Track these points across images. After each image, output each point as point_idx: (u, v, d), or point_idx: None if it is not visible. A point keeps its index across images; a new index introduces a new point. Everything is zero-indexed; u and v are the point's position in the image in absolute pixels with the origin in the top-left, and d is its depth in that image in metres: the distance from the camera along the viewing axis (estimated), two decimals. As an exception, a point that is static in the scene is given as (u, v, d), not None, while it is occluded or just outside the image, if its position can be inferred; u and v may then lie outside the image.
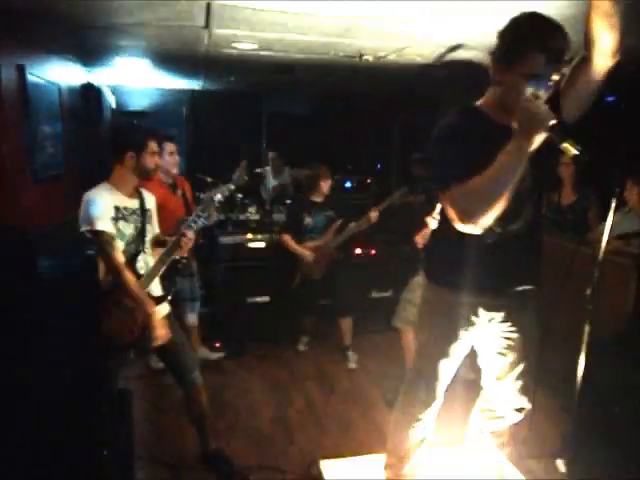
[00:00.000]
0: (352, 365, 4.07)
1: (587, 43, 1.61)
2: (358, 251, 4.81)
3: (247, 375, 3.90)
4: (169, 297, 2.61)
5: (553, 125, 1.51)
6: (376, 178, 6.36)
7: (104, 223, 2.31)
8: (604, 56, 1.60)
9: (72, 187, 4.41)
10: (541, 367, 3.59)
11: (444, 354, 2.01)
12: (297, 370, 4.04)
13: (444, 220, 1.89)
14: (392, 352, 4.05)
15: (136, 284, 2.37)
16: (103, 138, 5.74)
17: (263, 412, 3.40)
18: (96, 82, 5.38)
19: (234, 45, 3.50)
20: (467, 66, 3.87)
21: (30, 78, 3.29)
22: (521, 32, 1.63)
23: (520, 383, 2.08)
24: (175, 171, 3.64)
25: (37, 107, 3.49)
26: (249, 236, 4.67)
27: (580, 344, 2.70)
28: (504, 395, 2.11)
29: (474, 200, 1.57)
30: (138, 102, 6.26)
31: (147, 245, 2.56)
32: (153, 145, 2.46)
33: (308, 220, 4.13)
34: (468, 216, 1.59)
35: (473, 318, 1.96)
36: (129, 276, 2.35)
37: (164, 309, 2.56)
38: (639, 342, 2.88)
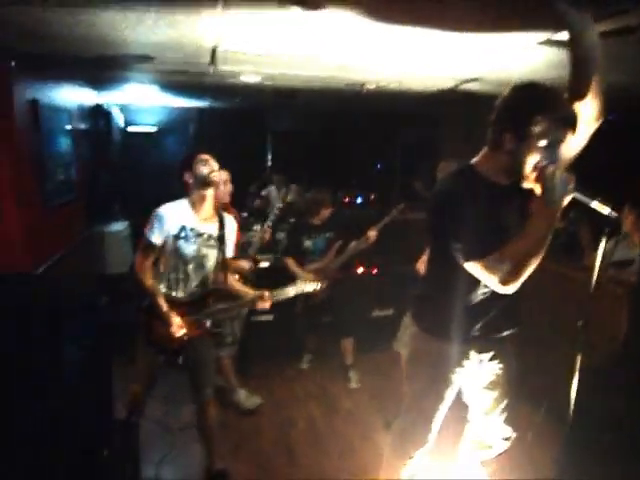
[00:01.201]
0: (354, 385, 4.17)
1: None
2: (360, 270, 4.91)
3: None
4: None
5: (577, 188, 1.61)
6: (379, 194, 6.46)
7: (154, 235, 2.61)
8: (588, 122, 1.72)
9: (86, 210, 4.56)
10: (539, 388, 3.69)
11: (440, 400, 2.11)
12: (300, 389, 4.15)
13: (435, 272, 2.00)
14: (393, 371, 4.13)
15: (153, 288, 2.64)
16: (113, 156, 5.89)
17: (266, 433, 3.51)
18: (105, 102, 5.52)
19: (239, 77, 3.62)
20: (470, 97, 4.00)
21: (43, 110, 3.43)
22: (538, 105, 1.67)
23: (505, 414, 2.19)
24: (227, 200, 3.63)
25: (50, 136, 3.64)
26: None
27: (573, 372, 2.82)
28: (492, 426, 2.22)
29: (517, 268, 1.69)
30: (146, 120, 6.39)
31: (209, 271, 2.75)
32: (200, 156, 2.70)
33: (308, 243, 4.23)
34: (512, 282, 1.72)
35: (464, 362, 2.07)
36: (148, 281, 2.64)
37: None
38: (630, 370, 2.96)
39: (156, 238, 2.61)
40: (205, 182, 2.65)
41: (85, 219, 4.61)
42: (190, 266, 2.69)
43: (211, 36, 2.41)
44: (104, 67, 3.31)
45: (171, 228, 2.62)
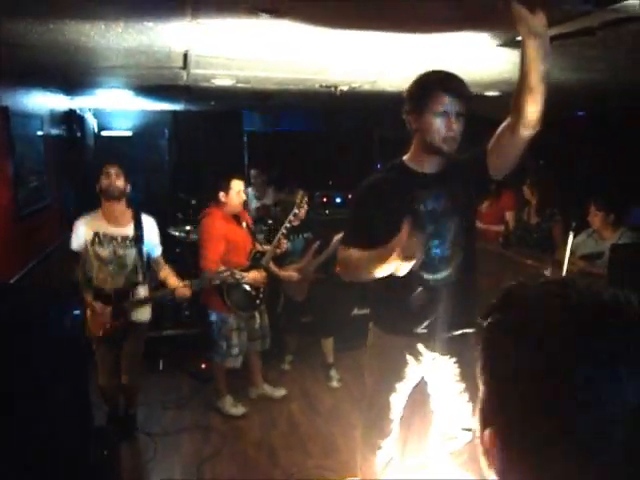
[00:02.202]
0: (335, 384, 4.21)
1: (513, 112, 1.78)
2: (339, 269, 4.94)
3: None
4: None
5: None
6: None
7: (73, 243, 3.07)
8: (528, 126, 1.78)
9: (60, 216, 4.51)
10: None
11: (393, 391, 2.17)
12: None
13: None
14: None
15: (80, 285, 3.06)
16: (87, 161, 5.83)
17: (248, 435, 3.52)
18: (78, 107, 5.46)
19: (212, 81, 3.62)
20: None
21: (14, 117, 3.39)
22: (424, 80, 1.95)
23: (468, 407, 2.24)
24: (239, 209, 3.71)
25: (21, 143, 3.60)
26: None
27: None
28: (454, 418, 2.27)
29: (352, 269, 1.98)
30: (120, 124, 6.33)
31: (131, 268, 3.10)
32: (105, 168, 3.08)
33: (286, 245, 4.23)
34: (342, 274, 2.03)
35: (418, 358, 2.13)
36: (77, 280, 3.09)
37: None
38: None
39: (75, 245, 3.05)
40: (106, 194, 3.05)
41: (60, 225, 4.56)
42: (110, 267, 3.04)
43: (182, 42, 2.41)
44: (75, 73, 3.28)
45: (86, 236, 3.01)
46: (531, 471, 0.57)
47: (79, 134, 5.34)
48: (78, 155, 5.35)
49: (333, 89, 4.01)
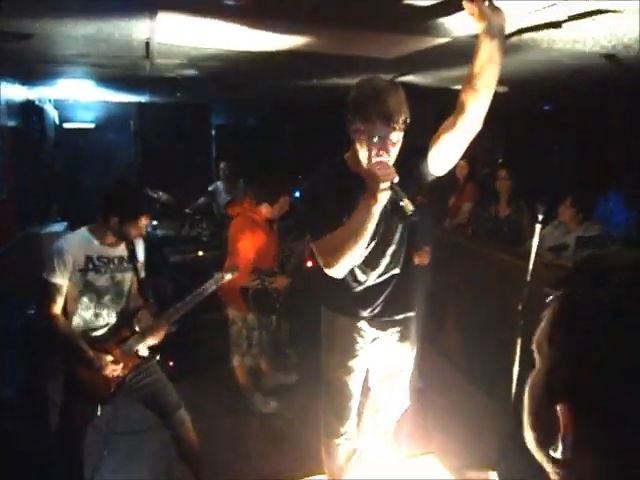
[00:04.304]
0: (294, 360, 4.25)
1: (458, 110, 1.71)
2: (309, 264, 4.90)
3: (201, 395, 3.91)
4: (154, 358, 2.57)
5: (392, 185, 1.66)
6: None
7: (56, 275, 2.26)
8: (471, 125, 1.71)
9: (15, 212, 4.34)
10: (484, 371, 3.81)
11: (345, 368, 2.24)
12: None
13: None
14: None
15: (72, 334, 2.33)
16: (48, 154, 5.63)
17: (218, 434, 3.45)
18: (37, 98, 5.25)
19: (176, 72, 3.52)
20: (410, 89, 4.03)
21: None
22: (358, 102, 1.78)
23: (402, 386, 2.34)
24: (277, 218, 3.63)
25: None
26: (200, 253, 4.68)
27: (515, 355, 2.93)
28: (388, 396, 2.33)
29: (333, 251, 1.82)
30: (83, 116, 6.13)
31: (127, 295, 2.49)
32: (144, 220, 2.39)
33: None
34: (329, 264, 1.85)
35: (363, 336, 2.22)
36: (64, 328, 2.32)
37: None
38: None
39: (60, 278, 2.27)
40: (125, 238, 2.43)
41: (18, 220, 4.39)
42: (107, 297, 2.41)
43: (143, 29, 2.32)
44: (30, 62, 3.14)
45: (75, 262, 2.30)
46: (609, 449, 0.54)
47: (39, 126, 5.14)
48: (37, 148, 5.15)
49: (302, 81, 3.97)
